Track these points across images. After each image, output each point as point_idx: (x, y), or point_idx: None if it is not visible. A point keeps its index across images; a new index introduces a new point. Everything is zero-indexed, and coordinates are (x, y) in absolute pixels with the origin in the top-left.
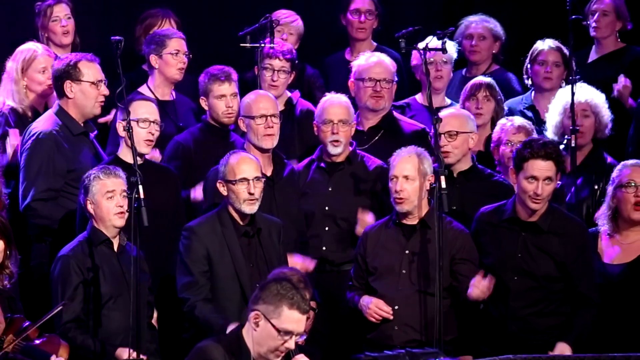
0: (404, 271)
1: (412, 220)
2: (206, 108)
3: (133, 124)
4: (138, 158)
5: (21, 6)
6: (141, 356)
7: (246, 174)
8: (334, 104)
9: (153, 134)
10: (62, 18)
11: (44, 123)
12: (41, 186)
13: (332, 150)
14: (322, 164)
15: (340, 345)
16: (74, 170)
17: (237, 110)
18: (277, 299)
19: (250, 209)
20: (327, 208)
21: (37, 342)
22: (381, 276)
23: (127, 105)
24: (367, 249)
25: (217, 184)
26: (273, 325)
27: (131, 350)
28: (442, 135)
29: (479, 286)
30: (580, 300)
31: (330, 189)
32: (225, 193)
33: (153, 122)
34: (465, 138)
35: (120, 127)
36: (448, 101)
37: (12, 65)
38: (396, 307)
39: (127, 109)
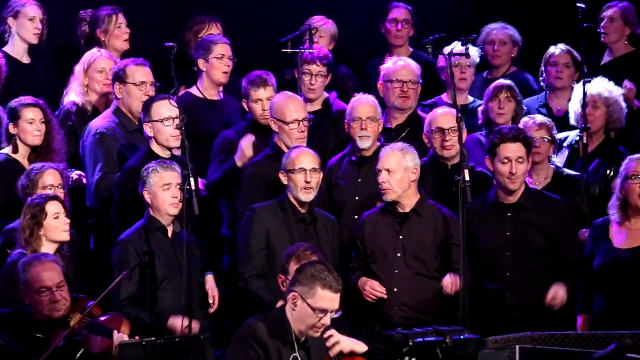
0: (398, 254)
1: (404, 209)
2: (247, 109)
3: (158, 124)
4: (169, 152)
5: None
6: (193, 324)
7: (304, 164)
8: (362, 103)
9: (175, 130)
10: (123, 26)
11: (101, 120)
12: (103, 176)
13: (361, 144)
14: (353, 158)
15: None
16: (125, 163)
17: None
18: (311, 280)
19: (306, 197)
20: (357, 198)
21: (101, 319)
22: (378, 260)
23: (149, 107)
24: (365, 234)
25: (280, 175)
26: (309, 305)
27: (184, 319)
28: (446, 131)
29: (448, 282)
30: (570, 264)
31: (359, 180)
32: (285, 182)
33: (175, 117)
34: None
35: (147, 128)
36: (470, 99)
37: (78, 67)
38: (395, 289)
39: (180, 108)
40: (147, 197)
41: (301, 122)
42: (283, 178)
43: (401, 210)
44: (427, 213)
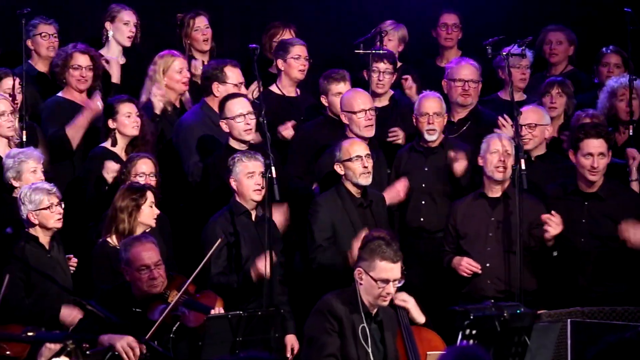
0: (490, 234)
1: (496, 193)
2: (326, 104)
3: (231, 121)
4: (244, 145)
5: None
6: (266, 273)
7: (359, 152)
8: (429, 99)
9: (249, 124)
10: (202, 28)
11: (191, 115)
12: (195, 164)
13: (428, 137)
14: (420, 149)
15: (437, 299)
16: (211, 153)
17: None
18: (371, 255)
19: (366, 180)
20: (424, 185)
21: (197, 296)
22: (472, 239)
23: (224, 106)
24: (457, 218)
25: (335, 167)
26: (371, 277)
27: (266, 262)
28: (523, 127)
29: (552, 223)
30: None
31: (426, 169)
32: (342, 172)
33: (246, 114)
34: (542, 129)
35: (223, 124)
36: (524, 96)
37: (153, 68)
38: (487, 265)
39: (261, 104)
40: (233, 184)
41: (368, 112)
42: (339, 169)
43: (492, 195)
44: (518, 197)
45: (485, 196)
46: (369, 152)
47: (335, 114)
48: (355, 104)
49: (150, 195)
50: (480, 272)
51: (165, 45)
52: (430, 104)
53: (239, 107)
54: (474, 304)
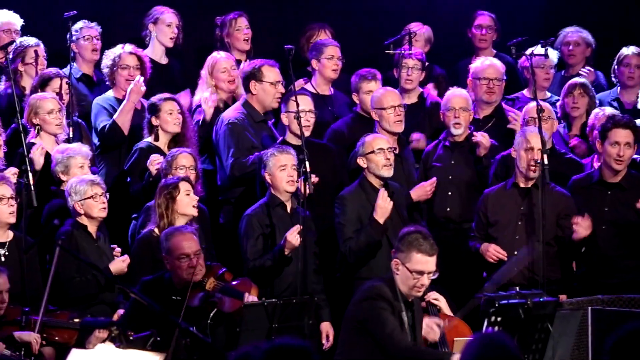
0: (519, 223)
1: (528, 184)
2: (357, 102)
3: (291, 115)
4: (300, 140)
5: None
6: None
7: (382, 145)
8: (456, 95)
9: (309, 121)
10: (242, 28)
11: (232, 112)
12: (237, 158)
13: (455, 131)
14: (447, 143)
15: (463, 285)
16: (255, 148)
17: None
18: (408, 247)
19: (388, 173)
20: (450, 177)
21: (233, 283)
22: (501, 228)
23: (289, 100)
24: (488, 206)
25: (358, 160)
26: (407, 268)
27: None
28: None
29: (582, 225)
30: None
31: (452, 162)
32: (365, 165)
33: (308, 111)
34: (552, 123)
35: (284, 117)
36: (548, 94)
37: (204, 71)
38: (515, 253)
39: (297, 102)
40: (267, 177)
41: (397, 108)
42: (362, 162)
43: (523, 186)
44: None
45: (517, 186)
46: (391, 146)
47: (365, 111)
48: (385, 101)
49: (183, 185)
50: (506, 259)
51: (207, 46)
52: (457, 99)
53: (303, 104)
54: (499, 290)
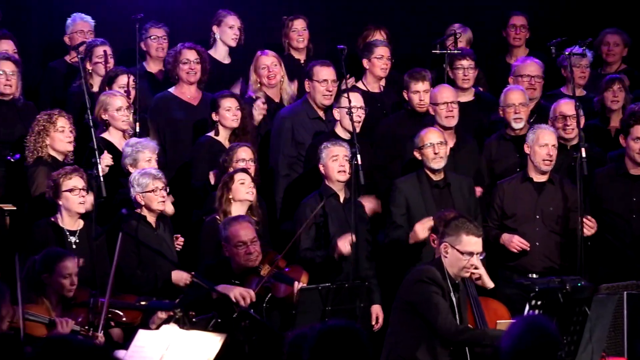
0: (537, 216)
1: (542, 179)
2: (407, 99)
3: (343, 110)
4: (349, 134)
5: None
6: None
7: (432, 139)
8: (514, 91)
9: (360, 117)
10: (299, 29)
11: (289, 109)
12: (284, 154)
13: (516, 125)
14: (508, 137)
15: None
16: (303, 144)
17: (428, 103)
18: (456, 230)
19: (437, 165)
20: (518, 170)
21: (286, 269)
22: (519, 220)
23: (341, 97)
24: (503, 199)
25: (414, 153)
26: (458, 250)
27: (352, 240)
28: (568, 118)
29: (588, 225)
30: None
31: (517, 155)
32: (420, 158)
33: (360, 107)
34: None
35: (336, 112)
36: (584, 92)
37: (251, 69)
38: (537, 244)
39: (348, 99)
40: (322, 168)
41: (450, 104)
42: (417, 155)
43: (538, 180)
44: (559, 183)
45: (531, 180)
46: (442, 140)
47: (414, 107)
48: (439, 97)
49: (238, 175)
50: (528, 249)
51: (268, 46)
52: (516, 95)
53: (354, 101)
54: (519, 277)
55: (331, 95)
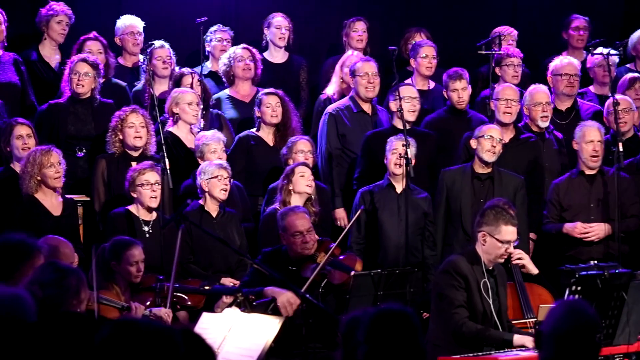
0: (591, 205)
1: (593, 171)
2: (447, 97)
3: (399, 102)
4: (408, 125)
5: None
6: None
7: (492, 133)
8: (540, 91)
9: (415, 106)
10: (359, 31)
11: (336, 104)
12: (328, 147)
13: (542, 124)
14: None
15: (545, 261)
16: (345, 136)
17: (466, 100)
18: (494, 220)
19: (489, 157)
20: (546, 164)
21: (340, 257)
22: (576, 211)
23: (395, 90)
24: (560, 195)
25: (471, 141)
26: (496, 239)
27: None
28: (620, 112)
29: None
30: None
31: (544, 151)
32: (475, 146)
33: (414, 98)
34: (633, 114)
35: (392, 105)
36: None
37: (337, 66)
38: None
39: (399, 94)
40: (386, 161)
41: (509, 101)
42: (474, 143)
43: (589, 173)
44: (610, 173)
45: (583, 174)
46: (501, 138)
47: (454, 104)
48: (501, 94)
49: (298, 168)
50: (593, 233)
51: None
52: (543, 94)
53: (408, 93)
54: (578, 264)
55: (374, 87)
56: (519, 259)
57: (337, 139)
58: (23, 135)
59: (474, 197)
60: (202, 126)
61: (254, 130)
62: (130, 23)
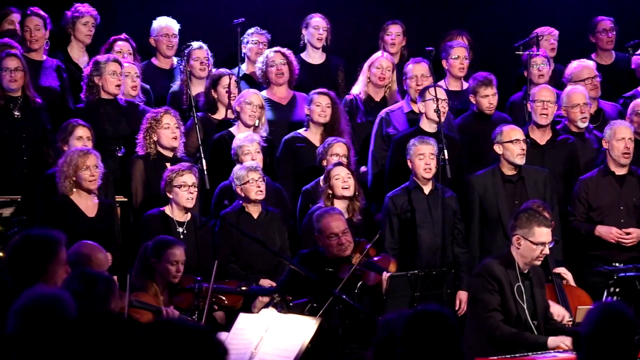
0: (621, 207)
1: (622, 171)
2: (474, 102)
3: (430, 103)
4: (436, 125)
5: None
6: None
7: (519, 136)
8: (577, 92)
9: (445, 107)
10: (392, 34)
11: (388, 107)
12: (374, 150)
13: (582, 125)
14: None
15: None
16: (390, 135)
17: (495, 105)
18: (528, 222)
19: (522, 161)
20: (587, 164)
21: (375, 258)
22: (604, 212)
23: (425, 91)
24: (588, 192)
25: (494, 147)
26: (531, 242)
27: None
28: None
29: None
30: None
31: (584, 150)
32: (500, 152)
33: (444, 100)
34: None
35: (421, 105)
36: None
37: (365, 65)
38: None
39: (435, 96)
40: (409, 164)
41: (545, 103)
42: (498, 149)
43: (618, 173)
44: (638, 175)
45: (613, 173)
46: (524, 138)
47: (480, 109)
48: (538, 95)
49: (333, 171)
50: (629, 239)
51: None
52: (580, 95)
53: (439, 94)
54: (604, 265)
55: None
56: (565, 273)
57: (382, 142)
58: (83, 137)
59: (510, 201)
60: (267, 131)
61: (301, 130)
62: (165, 25)
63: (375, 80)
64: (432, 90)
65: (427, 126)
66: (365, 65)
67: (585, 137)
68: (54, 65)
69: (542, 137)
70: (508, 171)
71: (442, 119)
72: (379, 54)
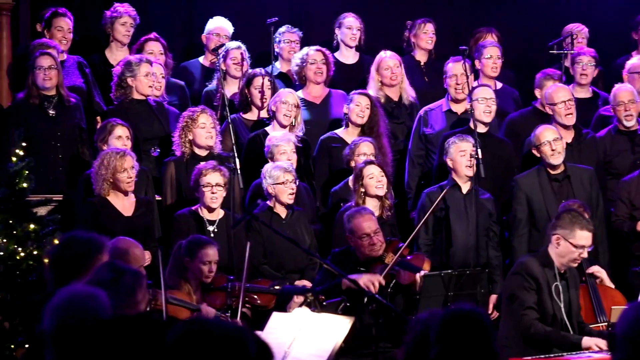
0: None
1: None
2: (538, 96)
3: (475, 103)
4: (483, 126)
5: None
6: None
7: (547, 137)
8: (623, 90)
9: (490, 107)
10: (429, 32)
11: (428, 106)
12: (411, 148)
13: (628, 123)
14: (623, 132)
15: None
16: (426, 135)
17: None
18: (570, 224)
19: (556, 160)
20: (638, 162)
21: (409, 257)
22: None
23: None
24: (631, 192)
25: (532, 150)
26: (571, 243)
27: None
28: None
29: None
30: None
31: (631, 148)
32: (538, 155)
33: (489, 99)
34: None
35: (467, 106)
36: None
37: (372, 68)
38: None
39: (472, 97)
40: (449, 162)
41: (567, 102)
42: (535, 152)
43: None
44: None
45: None
46: (557, 136)
47: (543, 105)
48: (556, 97)
49: (366, 169)
50: None
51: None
52: (625, 93)
53: (484, 94)
54: None
55: (462, 88)
56: (598, 272)
57: (419, 141)
58: (123, 137)
59: (558, 200)
60: (302, 131)
61: (338, 130)
62: (220, 25)
63: (388, 81)
64: (478, 90)
65: (477, 127)
66: (372, 69)
67: (637, 133)
68: (75, 63)
69: (568, 136)
70: (553, 171)
71: (489, 119)
72: (382, 54)
